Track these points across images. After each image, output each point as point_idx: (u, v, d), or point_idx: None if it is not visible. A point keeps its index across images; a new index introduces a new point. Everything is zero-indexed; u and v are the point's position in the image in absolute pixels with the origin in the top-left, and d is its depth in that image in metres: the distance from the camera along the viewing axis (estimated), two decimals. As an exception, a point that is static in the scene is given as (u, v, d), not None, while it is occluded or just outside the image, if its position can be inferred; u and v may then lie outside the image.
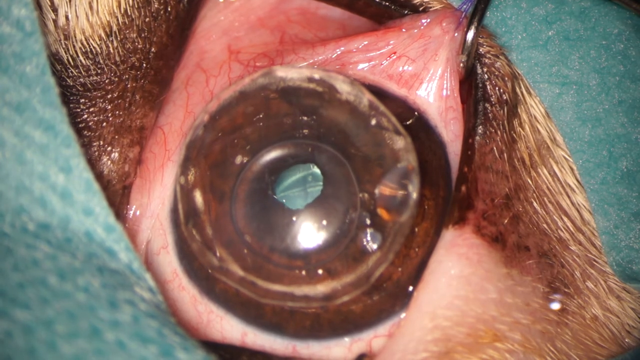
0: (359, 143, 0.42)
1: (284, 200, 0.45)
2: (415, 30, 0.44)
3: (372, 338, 0.43)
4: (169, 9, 0.43)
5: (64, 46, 0.41)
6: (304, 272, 0.42)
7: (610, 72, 0.43)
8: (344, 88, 0.41)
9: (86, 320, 0.32)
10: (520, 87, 0.43)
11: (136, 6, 0.42)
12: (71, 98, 0.42)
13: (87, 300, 0.32)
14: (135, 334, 0.32)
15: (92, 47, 0.42)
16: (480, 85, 0.43)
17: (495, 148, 0.43)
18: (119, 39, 0.42)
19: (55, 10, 0.41)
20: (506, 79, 0.43)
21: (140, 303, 0.34)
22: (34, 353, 0.30)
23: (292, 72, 0.42)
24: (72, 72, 0.42)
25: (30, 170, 0.34)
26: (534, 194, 0.43)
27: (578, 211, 0.44)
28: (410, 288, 0.43)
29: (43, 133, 0.34)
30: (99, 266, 0.34)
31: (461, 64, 0.44)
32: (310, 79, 0.42)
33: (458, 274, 0.41)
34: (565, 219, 0.44)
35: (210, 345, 0.41)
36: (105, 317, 0.32)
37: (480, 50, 0.43)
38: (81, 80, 0.42)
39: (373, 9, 0.45)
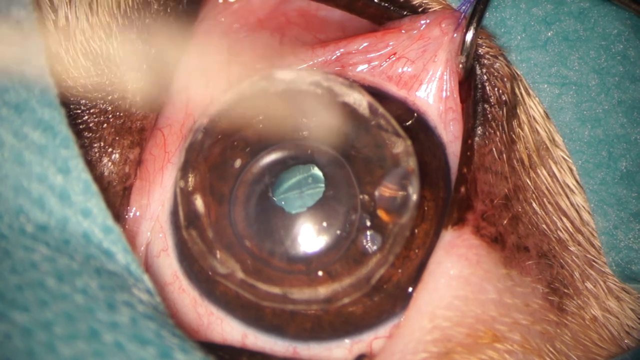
0: (359, 145, 0.42)
1: (282, 203, 0.45)
2: (415, 32, 0.44)
3: (372, 339, 0.43)
4: (169, 11, 0.43)
5: (64, 47, 0.41)
6: (304, 275, 0.42)
7: (610, 73, 0.43)
8: (343, 90, 0.41)
9: (84, 322, 0.32)
10: (519, 88, 0.43)
11: (136, 7, 0.42)
12: (72, 99, 0.42)
13: (85, 302, 0.32)
14: (134, 335, 0.32)
15: (92, 48, 0.42)
16: (480, 86, 0.43)
17: (494, 149, 0.43)
18: (119, 40, 0.42)
19: (55, 11, 0.41)
20: (505, 79, 0.43)
21: (138, 305, 0.34)
22: (33, 355, 0.30)
23: (292, 75, 0.42)
24: (72, 73, 0.42)
25: (28, 171, 0.34)
26: (533, 195, 0.43)
27: (577, 212, 0.44)
28: (410, 289, 0.43)
29: (42, 134, 0.34)
30: (96, 268, 0.34)
31: (460, 65, 0.44)
32: (310, 82, 0.42)
33: (457, 275, 0.41)
34: (565, 220, 0.44)
35: (210, 347, 0.41)
36: (104, 318, 0.32)
37: (480, 51, 0.43)
38: (82, 81, 0.42)
39: (372, 9, 0.45)
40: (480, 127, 0.43)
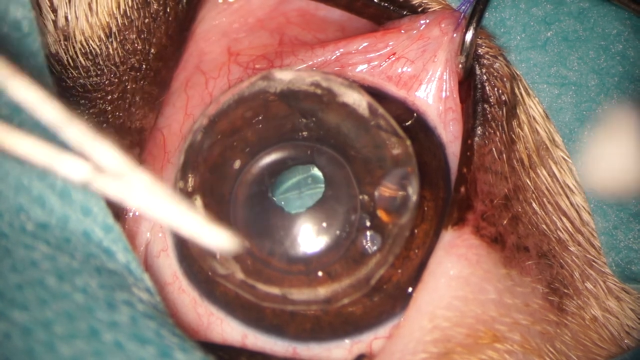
0: (359, 145, 0.42)
1: (282, 203, 0.45)
2: (414, 32, 0.44)
3: (372, 340, 0.43)
4: (168, 10, 0.43)
5: (63, 47, 0.41)
6: (304, 275, 0.42)
7: (609, 73, 0.43)
8: (342, 90, 0.41)
9: (84, 321, 0.32)
10: (519, 88, 0.43)
11: (135, 7, 0.42)
12: (71, 99, 0.42)
13: (85, 301, 0.32)
14: (133, 334, 0.32)
15: (91, 48, 0.42)
16: (479, 86, 0.43)
17: (494, 149, 0.43)
18: (118, 40, 0.42)
19: (54, 11, 0.41)
20: (505, 79, 0.43)
21: (138, 304, 0.34)
22: (33, 354, 0.30)
23: (291, 75, 0.42)
24: (72, 73, 0.42)
25: (29, 169, 0.34)
26: (533, 195, 0.43)
27: (577, 212, 0.44)
28: (410, 289, 0.43)
29: (42, 132, 0.34)
30: (97, 266, 0.34)
31: (460, 65, 0.44)
32: (309, 82, 0.42)
33: (457, 275, 0.41)
34: (565, 220, 0.44)
35: (209, 346, 0.41)
36: (104, 318, 0.32)
37: (479, 51, 0.43)
38: (81, 81, 0.42)
39: (372, 9, 0.45)
40: (480, 127, 0.43)
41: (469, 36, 0.43)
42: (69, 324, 0.31)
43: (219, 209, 0.43)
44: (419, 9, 0.45)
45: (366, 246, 0.42)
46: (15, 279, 0.32)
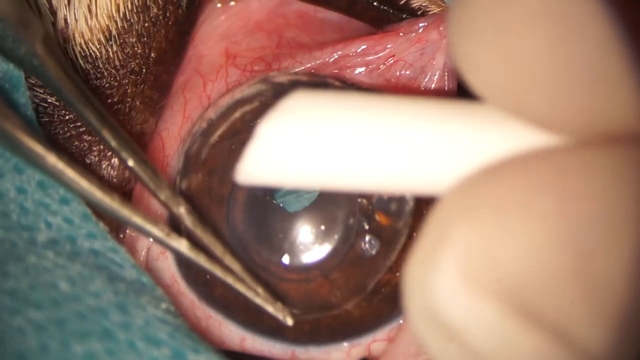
0: (357, 147, 0.42)
1: (281, 206, 0.44)
2: (413, 34, 0.44)
3: (370, 342, 0.43)
4: (168, 14, 0.43)
5: (62, 50, 0.41)
6: (302, 279, 0.42)
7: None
8: (340, 94, 0.41)
9: (97, 322, 0.32)
10: (520, 90, 0.44)
11: (135, 11, 0.42)
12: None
13: (97, 304, 0.33)
14: (147, 336, 0.32)
15: (91, 51, 0.42)
16: (480, 87, 0.43)
17: (494, 151, 0.43)
18: (118, 43, 0.42)
19: (54, 13, 0.41)
20: (506, 81, 0.43)
21: (151, 309, 0.34)
22: (47, 351, 0.31)
23: (289, 78, 0.42)
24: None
25: (31, 197, 0.35)
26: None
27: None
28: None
29: (41, 174, 0.35)
30: (109, 276, 0.34)
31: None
32: (307, 85, 0.42)
33: (457, 276, 0.41)
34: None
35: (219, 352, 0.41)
36: (116, 320, 0.32)
37: (480, 53, 0.43)
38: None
39: (371, 12, 0.45)
40: (480, 129, 0.43)
41: (469, 38, 0.43)
42: (83, 323, 0.32)
43: (217, 211, 0.42)
44: (419, 12, 0.45)
45: (365, 249, 0.42)
46: (28, 280, 0.32)
